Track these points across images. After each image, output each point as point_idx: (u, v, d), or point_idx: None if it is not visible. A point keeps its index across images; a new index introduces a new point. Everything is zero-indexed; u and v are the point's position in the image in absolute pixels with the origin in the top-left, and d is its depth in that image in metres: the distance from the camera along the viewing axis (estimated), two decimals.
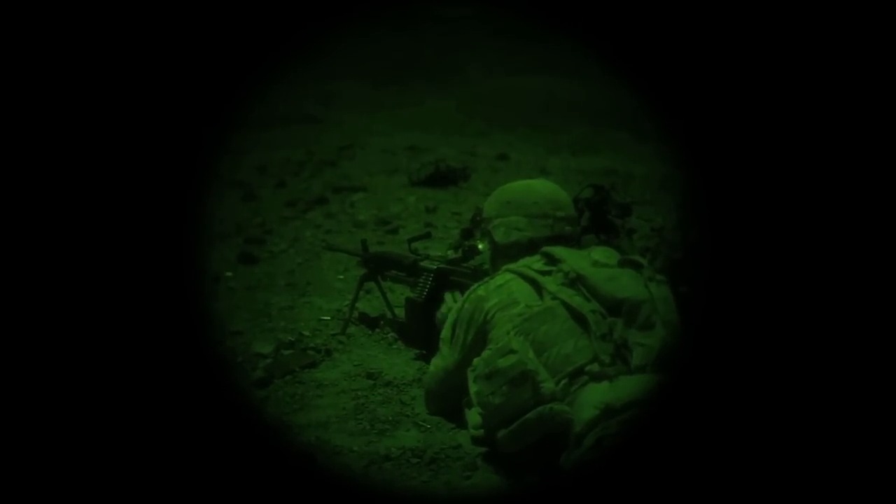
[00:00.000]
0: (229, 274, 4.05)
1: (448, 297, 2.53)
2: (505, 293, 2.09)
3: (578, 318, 1.94)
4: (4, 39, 2.01)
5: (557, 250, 2.13)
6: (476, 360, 2.04)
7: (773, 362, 1.74)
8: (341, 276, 3.87)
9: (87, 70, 2.11)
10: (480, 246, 2.44)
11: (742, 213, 1.95)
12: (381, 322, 2.96)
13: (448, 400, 2.22)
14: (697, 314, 1.97)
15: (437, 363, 2.24)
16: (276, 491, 1.85)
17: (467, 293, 2.22)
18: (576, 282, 2.02)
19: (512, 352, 1.89)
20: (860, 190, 1.85)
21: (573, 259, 2.08)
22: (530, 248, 2.21)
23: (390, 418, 2.25)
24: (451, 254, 2.59)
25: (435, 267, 2.63)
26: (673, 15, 2.46)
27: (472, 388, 2.01)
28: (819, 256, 1.83)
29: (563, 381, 1.86)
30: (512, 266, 2.16)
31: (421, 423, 2.23)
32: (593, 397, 1.81)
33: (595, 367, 1.86)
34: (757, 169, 1.97)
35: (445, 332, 2.23)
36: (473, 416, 2.04)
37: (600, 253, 2.13)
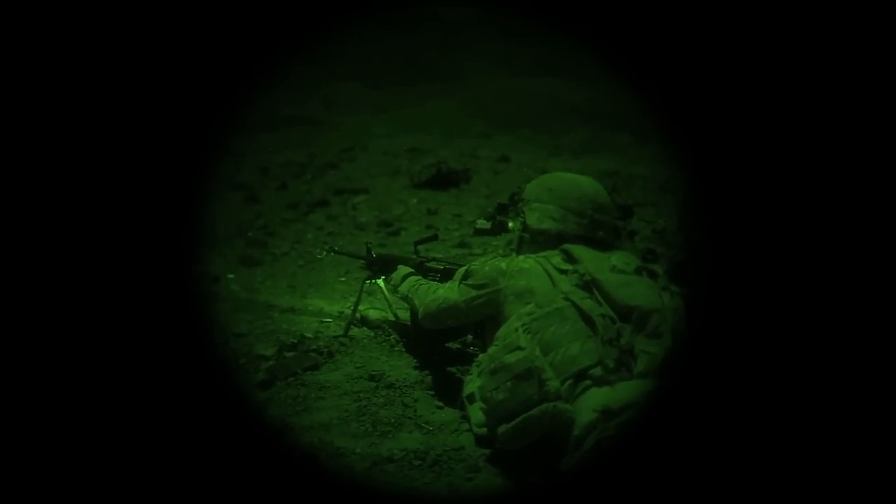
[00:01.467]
0: (231, 276, 4.06)
1: None
2: (524, 280, 2.11)
3: (587, 320, 1.94)
4: (5, 41, 2.01)
5: (577, 250, 2.14)
6: (481, 356, 2.05)
7: (772, 363, 1.74)
8: (343, 279, 3.88)
9: (88, 72, 2.11)
10: (511, 224, 2.44)
11: (744, 214, 1.95)
12: (384, 324, 2.96)
13: (440, 322, 2.33)
14: (699, 315, 1.97)
15: (445, 294, 2.29)
16: (279, 493, 1.85)
17: (492, 258, 2.25)
18: (590, 284, 2.03)
19: (519, 348, 1.91)
20: (861, 191, 1.85)
21: (591, 261, 2.09)
22: (557, 240, 2.22)
23: (392, 420, 2.25)
24: (482, 223, 2.59)
25: (441, 267, 2.66)
26: (674, 17, 2.46)
27: (476, 383, 2.02)
28: (820, 258, 1.82)
29: (567, 382, 1.86)
30: (533, 256, 2.18)
31: (423, 424, 2.22)
32: (592, 401, 1.81)
33: (598, 372, 1.86)
34: (758, 170, 1.97)
35: (461, 272, 2.29)
36: (475, 412, 2.04)
37: (619, 258, 2.13)
